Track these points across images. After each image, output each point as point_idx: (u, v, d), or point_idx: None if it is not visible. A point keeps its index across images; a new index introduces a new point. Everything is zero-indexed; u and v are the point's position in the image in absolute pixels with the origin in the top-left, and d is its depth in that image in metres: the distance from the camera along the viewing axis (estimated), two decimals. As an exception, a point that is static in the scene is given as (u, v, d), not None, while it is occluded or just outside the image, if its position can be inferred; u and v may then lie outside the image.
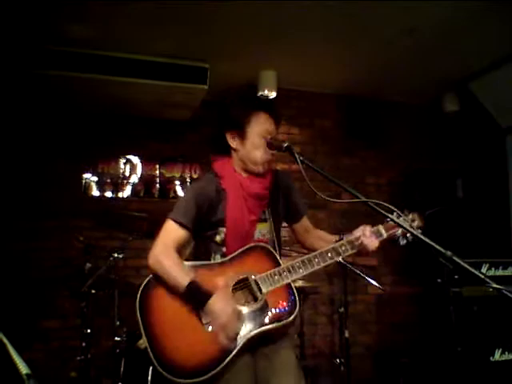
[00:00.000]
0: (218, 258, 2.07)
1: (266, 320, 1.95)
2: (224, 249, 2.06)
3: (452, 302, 3.75)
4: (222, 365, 1.85)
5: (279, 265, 2.03)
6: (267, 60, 4.17)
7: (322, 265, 2.03)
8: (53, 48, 3.75)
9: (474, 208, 4.70)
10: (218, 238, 2.07)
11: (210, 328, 1.90)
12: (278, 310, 1.97)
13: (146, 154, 4.77)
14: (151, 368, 3.00)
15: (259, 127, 2.07)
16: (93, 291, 3.18)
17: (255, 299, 1.98)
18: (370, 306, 4.62)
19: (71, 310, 3.86)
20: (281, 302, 1.98)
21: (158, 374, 1.82)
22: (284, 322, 1.95)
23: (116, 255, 3.07)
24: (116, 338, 3.09)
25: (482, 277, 1.48)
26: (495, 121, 4.66)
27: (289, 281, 2.00)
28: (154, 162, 4.80)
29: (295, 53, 4.00)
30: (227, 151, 2.14)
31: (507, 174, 4.66)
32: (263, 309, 1.96)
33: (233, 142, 2.11)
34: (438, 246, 1.55)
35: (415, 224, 2.17)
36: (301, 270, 2.01)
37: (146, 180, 4.78)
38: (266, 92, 4.39)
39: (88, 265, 3.27)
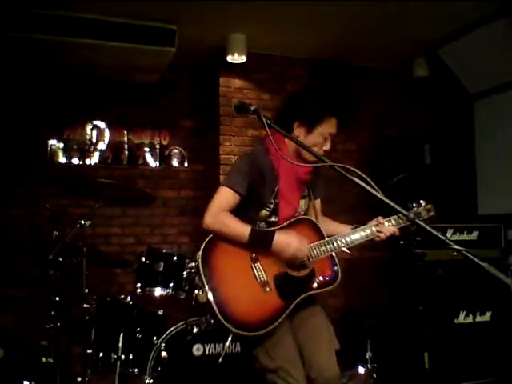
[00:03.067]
0: (263, 227, 2.26)
1: (315, 285, 2.20)
2: (272, 218, 2.27)
3: (415, 265, 3.83)
4: (278, 321, 2.08)
5: (323, 237, 2.28)
6: (237, 23, 4.06)
7: (355, 243, 2.29)
8: (15, 9, 3.57)
9: (441, 174, 4.75)
10: (263, 212, 2.27)
11: (268, 289, 2.12)
12: (324, 278, 2.22)
13: (113, 120, 4.67)
14: (122, 334, 3.02)
15: (327, 130, 2.28)
16: (60, 259, 3.12)
17: (303, 266, 2.20)
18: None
19: (39, 278, 3.80)
20: (326, 270, 2.24)
21: (218, 322, 2.03)
22: (328, 288, 2.22)
23: (83, 222, 3.01)
24: (85, 306, 3.07)
25: (443, 238, 1.53)
26: (463, 87, 4.68)
27: (333, 252, 2.25)
28: (122, 128, 4.71)
29: (265, 16, 3.90)
30: (286, 130, 2.22)
31: (474, 140, 4.71)
32: (311, 275, 2.21)
33: (297, 130, 2.28)
34: (401, 209, 1.59)
35: (431, 214, 2.49)
36: (342, 244, 2.26)
37: (114, 147, 4.70)
38: (236, 56, 4.30)
39: (55, 232, 3.21)
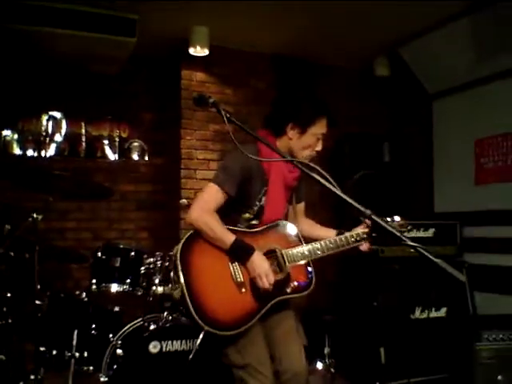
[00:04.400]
0: (244, 229, 2.29)
1: (288, 290, 2.25)
2: (253, 221, 2.30)
3: (373, 261, 3.90)
4: (250, 323, 2.13)
5: (301, 243, 2.31)
6: (199, 15, 4.01)
7: (335, 251, 2.31)
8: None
9: (399, 172, 4.84)
10: (246, 215, 2.29)
11: (243, 290, 2.15)
12: (298, 283, 2.27)
13: (71, 111, 4.55)
14: (76, 331, 2.95)
15: (319, 130, 2.31)
16: (12, 253, 3.02)
17: (280, 270, 2.24)
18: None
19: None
20: (301, 276, 2.28)
21: (191, 318, 2.04)
22: (301, 294, 2.27)
23: (35, 216, 2.91)
24: (37, 302, 2.97)
25: (398, 235, 1.55)
26: (423, 86, 4.78)
27: (309, 259, 2.28)
28: (79, 120, 4.60)
29: (229, 9, 3.87)
30: (277, 132, 2.32)
31: (431, 140, 4.81)
32: (286, 280, 2.24)
33: (290, 132, 2.29)
34: (358, 205, 1.60)
35: (403, 230, 2.52)
36: (319, 252, 2.28)
37: (71, 138, 4.59)
38: (198, 49, 4.25)
39: (7, 226, 3.10)
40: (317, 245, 2.29)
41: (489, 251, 4.11)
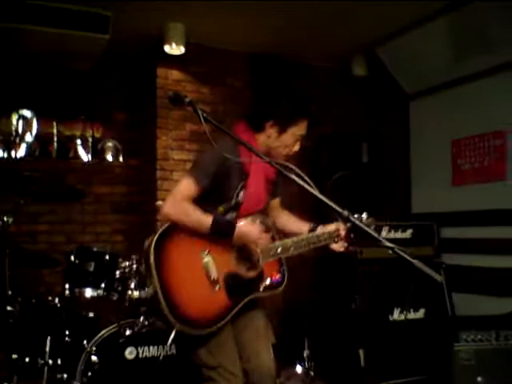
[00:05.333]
0: (222, 217, 2.27)
1: (261, 287, 2.26)
2: (227, 215, 2.28)
3: (351, 262, 3.93)
4: (223, 322, 2.13)
5: (275, 239, 2.32)
6: (175, 11, 3.98)
7: (306, 249, 2.34)
8: None
9: (377, 173, 4.89)
10: (221, 208, 2.27)
11: (217, 287, 2.15)
12: (271, 281, 2.29)
13: (42, 110, 4.48)
14: (49, 338, 2.91)
15: (299, 131, 2.30)
16: (-20, 258, 2.96)
17: (253, 267, 2.25)
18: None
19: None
20: (274, 273, 2.31)
21: (163, 316, 2.03)
22: (274, 291, 2.30)
23: (5, 219, 2.87)
24: (9, 308, 2.93)
25: (375, 235, 1.58)
26: (400, 86, 4.84)
27: (282, 256, 2.31)
28: (51, 119, 4.53)
29: (204, 5, 3.85)
30: (256, 127, 2.30)
31: (409, 140, 4.88)
32: (259, 277, 2.26)
33: (269, 130, 2.28)
34: (335, 206, 1.62)
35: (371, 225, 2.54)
36: (292, 249, 2.30)
37: (43, 138, 4.52)
38: (174, 46, 4.22)
39: (-25, 230, 3.03)
40: (289, 242, 2.30)
41: (466, 252, 4.18)
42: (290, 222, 2.58)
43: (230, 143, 2.22)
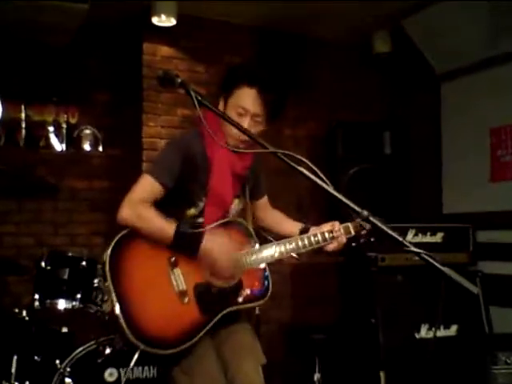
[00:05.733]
0: (186, 228, 2.23)
1: (240, 299, 2.25)
2: (199, 220, 2.29)
3: (370, 270, 3.93)
4: (195, 339, 2.11)
5: (255, 244, 2.33)
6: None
7: (295, 253, 2.32)
8: None
9: (402, 166, 4.89)
10: (191, 211, 2.29)
11: (186, 300, 2.13)
12: (251, 291, 2.27)
13: (7, 91, 4.48)
14: (15, 357, 2.93)
15: (236, 102, 2.24)
16: None
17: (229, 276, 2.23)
18: (284, 278, 4.75)
19: None
20: (256, 283, 2.29)
21: (124, 337, 2.01)
22: (255, 304, 2.29)
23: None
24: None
25: (400, 239, 1.57)
26: (429, 66, 4.83)
27: (264, 262, 2.30)
28: (18, 102, 4.53)
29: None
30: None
31: (440, 129, 4.87)
32: (238, 287, 2.25)
33: (220, 105, 2.29)
34: (353, 205, 1.62)
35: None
36: (276, 255, 2.29)
37: (8, 124, 4.52)
38: (163, 18, 4.24)
39: None
40: (275, 247, 2.30)
41: (506, 259, 4.19)
42: (278, 222, 2.61)
43: (194, 133, 2.28)
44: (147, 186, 2.21)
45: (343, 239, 2.35)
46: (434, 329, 3.88)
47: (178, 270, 2.16)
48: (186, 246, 2.15)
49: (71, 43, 4.53)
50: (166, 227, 2.14)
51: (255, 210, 2.63)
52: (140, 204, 2.16)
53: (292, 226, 2.52)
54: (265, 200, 2.65)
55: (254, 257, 2.28)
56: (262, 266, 2.32)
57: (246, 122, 2.23)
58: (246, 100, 2.23)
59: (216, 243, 2.17)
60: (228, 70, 2.33)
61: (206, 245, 2.15)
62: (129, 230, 2.16)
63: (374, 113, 5.21)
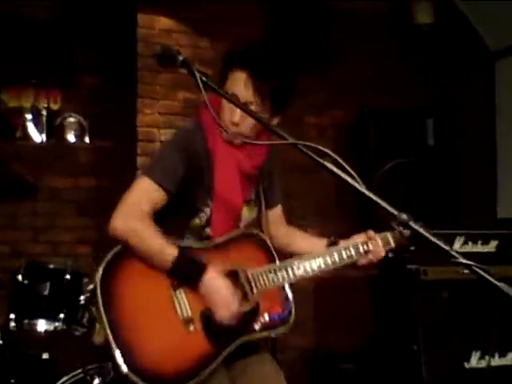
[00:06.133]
0: (191, 242, 2.27)
1: (257, 326, 2.22)
2: (207, 230, 2.30)
3: (410, 286, 3.91)
4: (202, 376, 2.07)
5: (274, 260, 2.32)
6: None
7: (324, 270, 2.31)
8: None
9: (448, 161, 4.87)
10: (196, 221, 2.29)
11: (192, 328, 2.11)
12: (271, 317, 2.25)
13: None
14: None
15: (231, 87, 2.22)
16: None
17: (245, 298, 2.20)
18: (306, 296, 4.74)
19: None
20: (275, 306, 2.28)
21: (119, 372, 1.98)
22: (276, 331, 2.26)
23: None
24: None
25: (447, 249, 1.56)
26: (482, 41, 4.80)
27: (286, 282, 2.28)
28: (-10, 85, 4.58)
29: None
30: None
31: (494, 114, 4.83)
32: (254, 312, 2.21)
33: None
34: (389, 207, 1.61)
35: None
36: (300, 272, 2.28)
37: (-21, 111, 4.56)
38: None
39: None
40: (297, 262, 2.29)
41: None
42: (297, 239, 2.59)
43: (194, 125, 2.28)
44: (146, 192, 2.18)
45: (381, 252, 2.35)
46: (487, 357, 3.85)
47: (181, 294, 2.14)
48: (185, 276, 2.13)
49: (53, 16, 4.56)
50: (167, 251, 2.11)
51: (264, 224, 2.58)
52: (137, 216, 2.13)
53: (314, 244, 2.49)
54: (278, 211, 2.62)
55: (272, 276, 2.26)
56: (284, 286, 2.30)
57: (236, 113, 2.22)
58: (236, 86, 2.22)
59: (216, 281, 2.13)
60: (225, 53, 2.32)
61: (207, 280, 2.12)
62: (122, 246, 2.14)
63: (413, 97, 5.17)
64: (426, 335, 3.80)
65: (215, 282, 2.12)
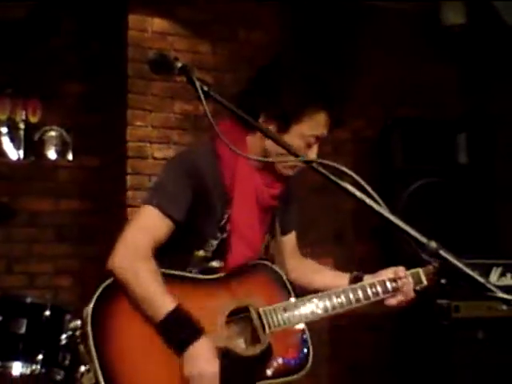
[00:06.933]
0: (197, 274, 2.29)
1: (269, 372, 2.19)
2: (211, 263, 2.30)
3: (440, 325, 3.89)
4: None
5: (290, 296, 2.32)
6: None
7: (346, 308, 2.32)
8: None
9: (484, 180, 4.87)
10: (200, 253, 2.29)
11: None
12: (285, 361, 2.22)
13: None
14: None
15: (310, 130, 2.25)
16: None
17: (255, 339, 2.20)
18: (321, 336, 4.72)
19: None
20: (290, 349, 2.25)
21: None
22: (291, 378, 2.22)
23: None
24: None
25: (483, 281, 1.55)
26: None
27: (302, 322, 2.27)
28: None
29: None
30: (246, 125, 2.22)
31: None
32: (266, 355, 2.19)
33: (264, 127, 2.23)
34: (415, 233, 1.61)
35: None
36: (319, 312, 2.29)
37: (-52, 124, 4.60)
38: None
39: None
40: (317, 299, 2.30)
41: None
42: (316, 273, 2.60)
43: (208, 150, 2.28)
44: (153, 225, 2.20)
45: (411, 291, 2.35)
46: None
47: None
48: (173, 337, 2.09)
49: (33, 15, 4.59)
50: (161, 302, 2.10)
51: (277, 254, 2.59)
52: (140, 255, 2.15)
53: (335, 277, 2.51)
54: (291, 239, 2.64)
55: (287, 314, 2.26)
56: (300, 326, 2.29)
57: (315, 151, 2.29)
58: (322, 126, 2.28)
59: (205, 356, 2.08)
60: (287, 85, 2.27)
61: (195, 350, 2.07)
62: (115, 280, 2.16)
63: (444, 108, 5.20)
64: (460, 380, 3.79)
65: (203, 355, 2.07)
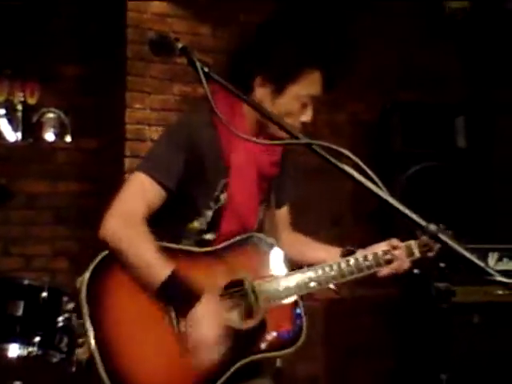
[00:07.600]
0: (190, 246, 2.29)
1: (263, 345, 2.21)
2: (206, 235, 2.31)
3: (438, 308, 3.90)
4: None
5: (285, 270, 2.32)
6: None
7: (340, 281, 2.33)
8: None
9: (482, 165, 4.87)
10: (195, 224, 2.29)
11: (189, 345, 2.10)
12: (279, 335, 2.24)
13: None
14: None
15: (305, 89, 2.26)
16: None
17: (250, 313, 2.21)
18: (315, 319, 4.73)
19: None
20: (284, 322, 2.27)
21: None
22: (285, 351, 2.24)
23: None
24: None
25: (482, 265, 1.55)
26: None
27: (297, 295, 2.28)
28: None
29: None
30: (243, 88, 2.15)
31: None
32: (259, 329, 2.21)
33: (260, 90, 2.27)
34: (415, 216, 1.60)
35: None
36: (313, 284, 2.29)
37: None
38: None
39: None
40: (310, 272, 2.30)
41: None
42: (307, 246, 2.59)
43: (203, 118, 2.25)
44: (143, 191, 2.20)
45: (405, 263, 2.36)
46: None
47: None
48: (174, 301, 2.11)
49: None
50: (158, 268, 2.09)
51: (269, 226, 2.59)
52: (133, 221, 2.15)
53: (328, 251, 2.50)
54: (284, 212, 2.64)
55: (282, 287, 2.27)
56: (292, 299, 2.29)
57: (310, 113, 2.29)
58: (317, 86, 2.28)
59: (209, 317, 2.10)
60: (280, 47, 2.27)
61: (197, 311, 2.09)
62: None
63: (444, 92, 5.18)
64: (456, 364, 3.80)
65: (203, 319, 2.09)
